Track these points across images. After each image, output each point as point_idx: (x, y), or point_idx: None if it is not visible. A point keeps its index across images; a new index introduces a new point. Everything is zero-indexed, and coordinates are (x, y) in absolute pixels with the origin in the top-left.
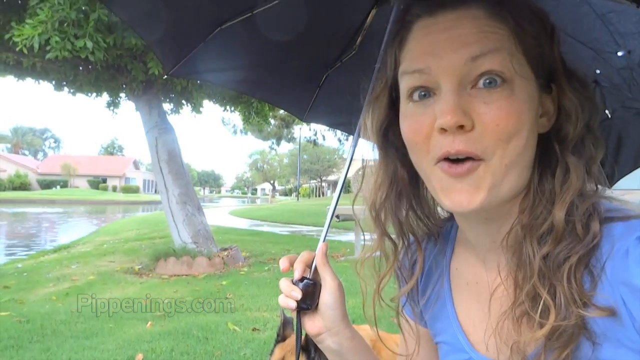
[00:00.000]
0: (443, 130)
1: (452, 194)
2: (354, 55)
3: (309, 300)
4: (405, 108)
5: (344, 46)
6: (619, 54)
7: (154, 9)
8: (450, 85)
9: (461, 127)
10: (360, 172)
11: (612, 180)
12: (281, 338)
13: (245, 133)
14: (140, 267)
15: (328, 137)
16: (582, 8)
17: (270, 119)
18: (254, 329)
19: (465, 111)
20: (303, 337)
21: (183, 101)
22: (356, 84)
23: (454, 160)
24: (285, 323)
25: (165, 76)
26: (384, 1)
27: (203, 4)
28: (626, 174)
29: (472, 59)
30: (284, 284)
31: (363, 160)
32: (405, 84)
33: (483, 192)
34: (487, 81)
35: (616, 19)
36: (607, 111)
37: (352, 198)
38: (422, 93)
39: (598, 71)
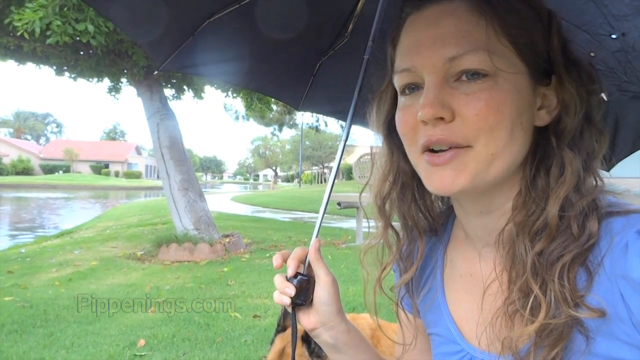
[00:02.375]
0: (424, 122)
1: (435, 178)
2: (346, 43)
3: (303, 296)
4: (400, 102)
5: (335, 34)
6: (613, 36)
7: (140, 5)
8: (432, 79)
9: (441, 119)
10: (361, 160)
11: (609, 164)
12: (281, 328)
13: (248, 119)
14: (142, 252)
15: (330, 123)
16: None
17: (272, 105)
18: (254, 316)
19: (444, 104)
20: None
21: (185, 87)
22: (350, 71)
23: (437, 151)
24: (286, 313)
25: (156, 72)
26: None
27: None
28: (623, 158)
29: (450, 59)
30: (278, 280)
31: (372, 148)
32: (397, 82)
33: (466, 176)
34: (469, 74)
35: (609, 1)
36: (603, 94)
37: (355, 185)
38: (412, 87)
39: (592, 54)
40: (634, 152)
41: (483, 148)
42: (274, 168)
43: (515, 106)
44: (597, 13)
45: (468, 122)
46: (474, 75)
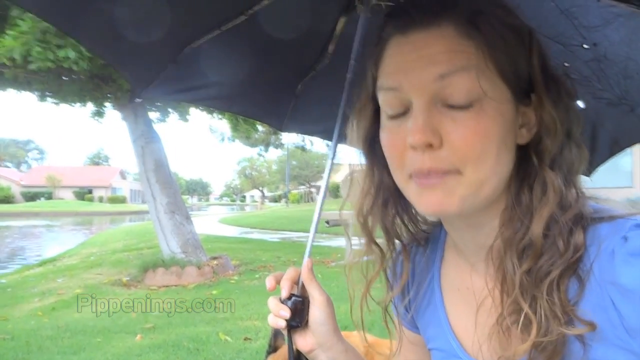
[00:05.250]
0: (413, 147)
1: (425, 199)
2: (327, 64)
3: (298, 317)
4: (384, 122)
5: (316, 55)
6: (585, 46)
7: (119, 33)
8: (421, 102)
9: (430, 145)
10: (348, 177)
11: (589, 170)
12: (272, 349)
13: (233, 140)
14: (128, 278)
15: (316, 142)
16: (546, 4)
17: (258, 126)
18: (245, 339)
19: (434, 129)
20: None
21: (169, 109)
22: (331, 92)
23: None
24: (277, 333)
25: (137, 100)
26: (350, 10)
27: (169, 24)
28: (602, 163)
29: (441, 77)
30: (272, 303)
31: (350, 166)
32: (381, 100)
33: (456, 199)
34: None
35: (579, 13)
36: (579, 102)
37: (340, 204)
38: (398, 110)
39: (567, 64)
40: (612, 157)
41: (471, 174)
42: (260, 188)
43: (501, 131)
44: (568, 25)
45: (456, 149)
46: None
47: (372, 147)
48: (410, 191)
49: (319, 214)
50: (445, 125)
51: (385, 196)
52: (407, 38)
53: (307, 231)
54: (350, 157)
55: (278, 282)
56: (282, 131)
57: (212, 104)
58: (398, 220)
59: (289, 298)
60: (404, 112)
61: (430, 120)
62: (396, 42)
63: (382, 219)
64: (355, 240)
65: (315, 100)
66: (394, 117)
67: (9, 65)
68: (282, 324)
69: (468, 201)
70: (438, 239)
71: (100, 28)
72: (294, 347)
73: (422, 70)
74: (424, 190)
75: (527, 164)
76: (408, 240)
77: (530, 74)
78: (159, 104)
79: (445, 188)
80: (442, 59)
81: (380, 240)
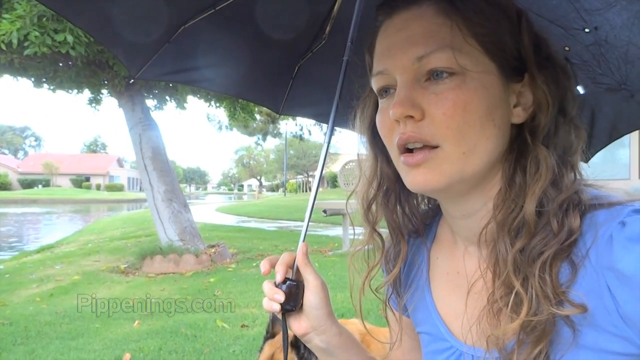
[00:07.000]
0: (396, 121)
1: (410, 177)
2: (324, 45)
3: (292, 301)
4: (379, 105)
5: (313, 36)
6: (586, 30)
7: (112, 14)
8: (403, 79)
9: (411, 117)
10: (346, 167)
11: (587, 155)
12: (270, 335)
13: (231, 129)
14: (126, 266)
15: (314, 132)
16: None
17: (256, 115)
18: (242, 326)
19: (414, 103)
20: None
21: (167, 97)
22: (329, 73)
23: (411, 150)
24: (274, 319)
25: (132, 80)
26: None
27: (163, 3)
28: (600, 149)
29: (418, 59)
30: (267, 286)
31: (359, 156)
32: (374, 85)
33: (439, 176)
34: (435, 74)
35: None
36: (579, 87)
37: (340, 193)
38: (387, 90)
39: (567, 48)
40: (610, 143)
41: (453, 148)
42: (258, 178)
43: (484, 104)
44: (569, 8)
45: (436, 121)
46: (439, 75)
47: (375, 136)
48: (401, 169)
49: (315, 196)
50: (426, 98)
51: (386, 185)
52: (392, 20)
53: (304, 218)
54: (347, 147)
55: (273, 266)
56: (280, 114)
57: (208, 85)
58: (399, 210)
59: (284, 282)
60: (392, 92)
61: (411, 94)
62: (384, 26)
63: (384, 208)
64: (354, 230)
65: (312, 82)
66: (384, 98)
67: (4, 50)
68: (276, 307)
69: (454, 177)
70: (432, 225)
71: (93, 8)
72: (288, 330)
73: (403, 53)
74: (411, 169)
75: (522, 144)
76: (410, 231)
77: (518, 51)
78: (156, 91)
79: (429, 165)
80: (419, 41)
81: (382, 230)
